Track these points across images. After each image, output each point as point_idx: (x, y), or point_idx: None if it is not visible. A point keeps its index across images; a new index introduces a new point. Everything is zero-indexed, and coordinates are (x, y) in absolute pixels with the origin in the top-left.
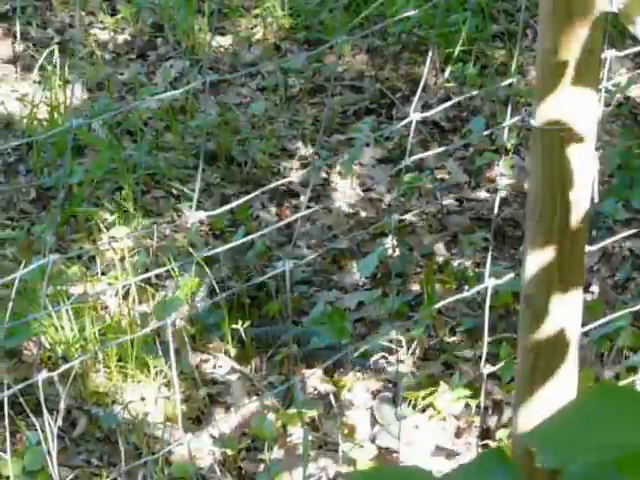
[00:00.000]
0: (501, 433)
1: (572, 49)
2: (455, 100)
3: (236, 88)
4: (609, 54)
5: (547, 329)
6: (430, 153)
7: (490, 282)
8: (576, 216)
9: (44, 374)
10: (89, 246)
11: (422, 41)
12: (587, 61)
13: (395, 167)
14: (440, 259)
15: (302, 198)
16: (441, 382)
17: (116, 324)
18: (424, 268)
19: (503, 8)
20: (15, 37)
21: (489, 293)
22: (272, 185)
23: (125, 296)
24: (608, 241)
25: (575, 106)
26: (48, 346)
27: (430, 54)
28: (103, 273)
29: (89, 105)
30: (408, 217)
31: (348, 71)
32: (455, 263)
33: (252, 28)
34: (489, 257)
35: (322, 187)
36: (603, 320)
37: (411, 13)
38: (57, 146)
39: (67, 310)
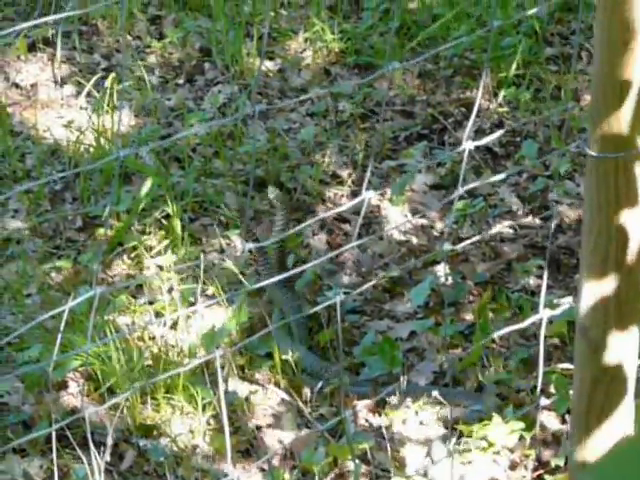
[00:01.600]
0: (556, 463)
1: (630, 73)
2: (508, 128)
3: (285, 113)
4: None
5: (603, 361)
6: (483, 182)
7: (545, 313)
8: (633, 244)
9: (91, 409)
10: (136, 274)
11: (475, 65)
12: None
13: (447, 193)
14: (493, 287)
15: (352, 226)
16: (495, 414)
17: (164, 355)
18: (477, 297)
19: (557, 31)
20: (59, 62)
21: (544, 325)
22: (322, 216)
23: (173, 326)
24: None
25: (632, 132)
26: (94, 377)
27: (483, 78)
28: (150, 302)
29: (136, 131)
30: (461, 245)
31: (399, 96)
32: (509, 291)
33: (301, 52)
34: (544, 287)
35: (373, 214)
36: None
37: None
38: (104, 173)
39: (114, 341)
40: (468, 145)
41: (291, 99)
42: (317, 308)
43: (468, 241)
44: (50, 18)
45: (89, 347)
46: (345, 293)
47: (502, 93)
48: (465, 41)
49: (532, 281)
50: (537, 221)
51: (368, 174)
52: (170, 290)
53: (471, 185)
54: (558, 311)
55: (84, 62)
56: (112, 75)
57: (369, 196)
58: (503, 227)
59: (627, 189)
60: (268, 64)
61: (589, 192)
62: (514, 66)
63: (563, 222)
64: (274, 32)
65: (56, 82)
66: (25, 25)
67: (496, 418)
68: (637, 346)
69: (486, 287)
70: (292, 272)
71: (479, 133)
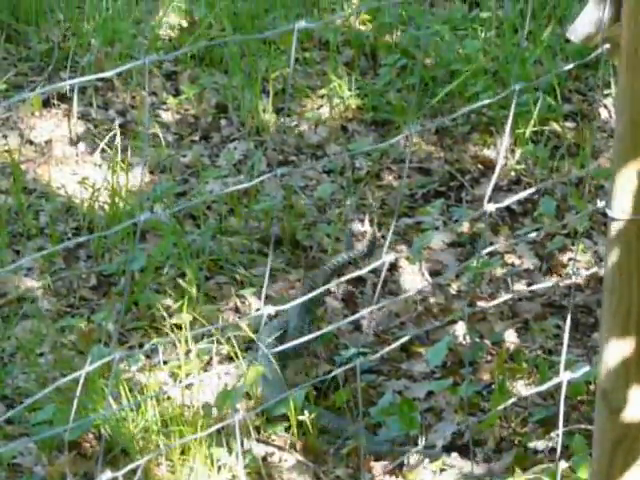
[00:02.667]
0: None
1: None
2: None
3: (302, 170)
4: None
5: (624, 424)
6: (502, 244)
7: (565, 376)
8: None
9: (108, 474)
10: (151, 333)
11: (492, 121)
12: None
13: (465, 251)
14: (511, 347)
15: (369, 282)
16: (514, 475)
17: (180, 415)
18: (495, 356)
19: (575, 87)
20: (75, 118)
21: (564, 388)
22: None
23: (188, 386)
24: None
25: None
26: (109, 438)
27: (501, 135)
28: (165, 362)
29: (151, 188)
30: (479, 304)
31: (416, 153)
32: (527, 351)
33: (318, 108)
34: (564, 349)
35: (390, 272)
36: None
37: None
38: (118, 231)
39: (128, 401)
40: (489, 207)
41: (307, 156)
42: (334, 373)
43: (492, 302)
44: (73, 82)
45: (106, 413)
46: (362, 353)
47: (519, 150)
48: (482, 98)
49: (550, 340)
50: (555, 279)
51: (390, 236)
52: (187, 351)
53: (489, 248)
54: (579, 373)
55: (99, 118)
56: (127, 132)
57: (389, 259)
58: (521, 285)
59: None
60: (284, 120)
61: (610, 254)
62: (532, 123)
63: (581, 281)
64: (290, 88)
65: (72, 139)
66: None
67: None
68: None
69: (503, 346)
70: (312, 335)
71: (496, 190)
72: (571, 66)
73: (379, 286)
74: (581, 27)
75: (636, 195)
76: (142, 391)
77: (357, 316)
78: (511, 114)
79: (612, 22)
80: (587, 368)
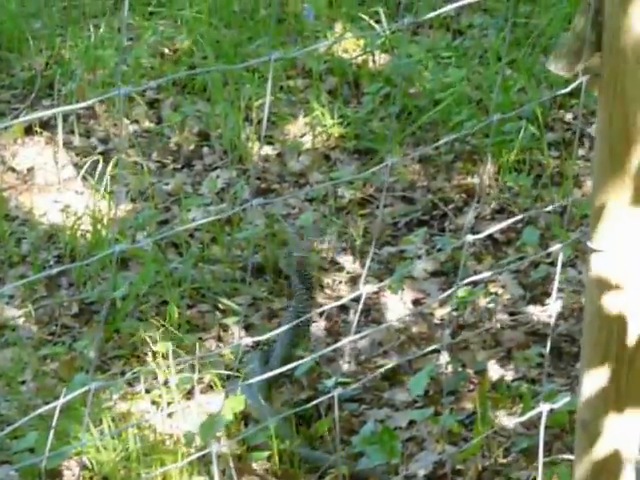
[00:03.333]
0: None
1: (632, 168)
2: (509, 221)
3: (284, 199)
4: None
5: (603, 454)
6: (483, 276)
7: (545, 407)
8: (633, 339)
9: None
10: (132, 362)
11: (476, 150)
12: None
13: (447, 280)
14: (494, 376)
15: (351, 312)
16: None
17: (161, 444)
18: (477, 385)
19: (559, 116)
20: (57, 146)
21: (544, 418)
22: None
23: (170, 414)
24: None
25: (633, 227)
26: (91, 466)
27: (484, 164)
28: (147, 390)
29: (133, 216)
30: (461, 332)
31: (399, 181)
32: (509, 380)
33: (301, 137)
34: (544, 379)
35: (372, 301)
36: None
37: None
38: (100, 259)
39: (109, 428)
40: (468, 238)
41: (290, 184)
42: (313, 403)
43: (475, 331)
44: (56, 110)
45: (85, 442)
46: (344, 383)
47: (503, 179)
48: (466, 127)
49: (533, 369)
50: (538, 308)
51: (366, 268)
52: (166, 383)
53: (471, 278)
54: (558, 405)
55: (81, 146)
56: (109, 159)
57: (367, 290)
58: (504, 314)
59: (628, 280)
60: (267, 149)
61: (590, 286)
62: (515, 151)
63: (564, 309)
64: (273, 116)
65: (57, 163)
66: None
67: None
68: (638, 440)
69: (486, 376)
70: (295, 364)
71: (479, 219)
72: (552, 96)
73: (357, 316)
74: (561, 57)
75: (615, 226)
76: (124, 419)
77: (338, 345)
78: (490, 143)
79: (592, 52)
80: (569, 398)
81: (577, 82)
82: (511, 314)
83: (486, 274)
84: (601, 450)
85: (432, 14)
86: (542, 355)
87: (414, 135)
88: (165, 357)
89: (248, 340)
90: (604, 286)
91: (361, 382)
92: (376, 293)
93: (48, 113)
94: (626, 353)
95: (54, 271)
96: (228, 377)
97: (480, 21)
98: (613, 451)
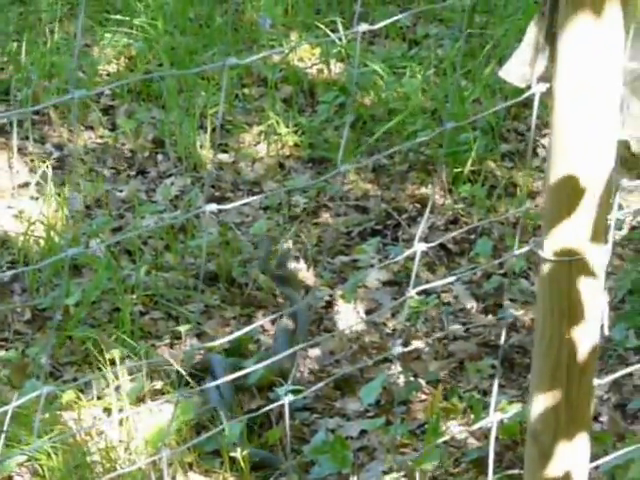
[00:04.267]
0: None
1: (584, 179)
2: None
3: (238, 207)
4: (622, 182)
5: (554, 466)
6: (434, 284)
7: (495, 417)
8: (584, 350)
9: None
10: (84, 368)
11: (430, 160)
12: (597, 190)
13: (400, 290)
14: (446, 387)
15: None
16: None
17: (111, 450)
18: (429, 396)
19: (513, 127)
20: (12, 152)
21: (494, 429)
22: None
23: (121, 422)
24: (619, 373)
25: (585, 237)
26: (41, 472)
27: (438, 174)
28: (99, 397)
29: (87, 223)
30: (414, 342)
31: (353, 190)
32: (461, 391)
33: (255, 145)
34: (495, 389)
35: (325, 310)
36: (614, 455)
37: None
38: (53, 265)
39: (61, 434)
40: (420, 247)
41: (244, 192)
42: (264, 410)
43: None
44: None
45: (36, 446)
46: (296, 391)
47: (457, 189)
48: (421, 137)
49: (485, 380)
50: (491, 320)
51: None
52: (117, 388)
53: (422, 287)
54: (509, 414)
55: (36, 151)
56: (64, 165)
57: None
58: (456, 325)
59: (579, 293)
60: (222, 157)
61: (541, 295)
62: (469, 162)
63: (517, 321)
64: (228, 124)
65: (11, 169)
66: None
67: None
68: (588, 452)
69: (438, 386)
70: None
71: (433, 229)
72: (503, 106)
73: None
74: (514, 67)
75: (567, 236)
76: (75, 426)
77: (290, 351)
78: (444, 153)
79: (546, 62)
80: (519, 407)
81: (529, 92)
82: (464, 324)
83: (437, 283)
84: (552, 462)
85: (387, 21)
86: (494, 366)
87: (369, 144)
88: (117, 364)
89: (200, 345)
90: (555, 296)
91: (311, 390)
92: (329, 302)
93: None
94: (577, 363)
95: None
96: (180, 384)
97: (436, 31)
98: (564, 463)
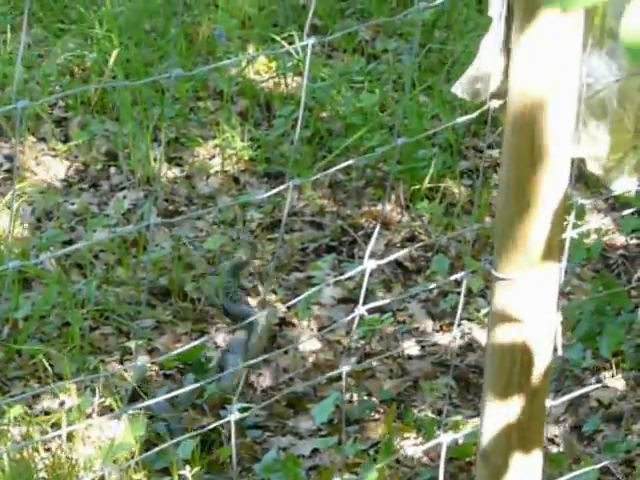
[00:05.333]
0: None
1: (536, 195)
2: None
3: (191, 221)
4: (578, 200)
5: None
6: (386, 301)
7: (445, 438)
8: (537, 370)
9: None
10: (32, 383)
11: (387, 177)
12: (551, 208)
13: (355, 308)
14: (400, 406)
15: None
16: None
17: (59, 467)
18: (383, 415)
19: (472, 144)
20: None
21: (444, 450)
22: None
23: (69, 438)
24: (574, 394)
25: (538, 256)
26: None
27: (394, 190)
28: (47, 413)
29: (37, 236)
30: (367, 361)
31: (309, 206)
32: (416, 410)
33: (210, 159)
34: (445, 410)
35: (279, 327)
36: (568, 476)
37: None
38: (0, 279)
39: (7, 450)
40: (370, 264)
41: (198, 207)
42: (214, 424)
43: (374, 358)
44: None
45: None
46: (246, 409)
47: (414, 206)
48: (377, 153)
49: (439, 400)
50: (447, 338)
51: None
52: (64, 402)
53: (374, 304)
54: (460, 434)
55: None
56: (13, 177)
57: (263, 315)
58: (411, 343)
59: (531, 314)
60: (175, 170)
61: (493, 314)
62: (427, 179)
63: (473, 340)
64: (183, 137)
65: None
66: None
67: None
68: (540, 474)
69: (392, 405)
70: (193, 386)
71: (390, 247)
72: (457, 121)
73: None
74: (468, 82)
75: (519, 254)
76: (23, 442)
77: (239, 367)
78: (396, 169)
79: (501, 77)
80: (471, 429)
81: (484, 108)
82: (419, 343)
83: (390, 299)
84: None
85: (340, 33)
86: (450, 386)
87: (326, 160)
88: (66, 379)
89: (146, 359)
90: (507, 315)
91: (261, 406)
92: (282, 319)
93: None
94: (530, 384)
95: None
96: (129, 400)
97: (395, 46)
98: None
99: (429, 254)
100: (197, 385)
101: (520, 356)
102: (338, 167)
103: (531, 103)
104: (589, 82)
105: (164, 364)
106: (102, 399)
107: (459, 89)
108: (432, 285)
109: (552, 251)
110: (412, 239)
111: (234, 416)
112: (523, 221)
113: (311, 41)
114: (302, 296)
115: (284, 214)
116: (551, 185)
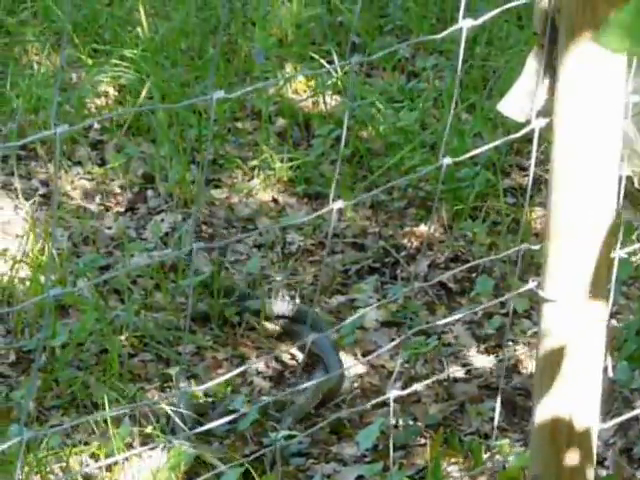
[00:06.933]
0: None
1: (584, 215)
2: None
3: (231, 245)
4: (626, 218)
5: None
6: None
7: (496, 461)
8: (586, 393)
9: None
10: (71, 412)
11: (429, 196)
12: (600, 227)
13: (399, 331)
14: (446, 430)
15: (299, 362)
16: None
17: None
18: (429, 440)
19: (516, 162)
20: None
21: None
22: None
23: (109, 468)
24: (624, 417)
25: (587, 276)
26: None
27: (437, 210)
28: (86, 443)
29: (74, 261)
30: (413, 385)
31: (350, 227)
32: (462, 434)
33: (249, 180)
34: (493, 434)
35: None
36: None
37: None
38: (38, 306)
39: None
40: (416, 286)
41: (237, 229)
42: (258, 453)
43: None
44: None
45: None
46: (290, 436)
47: (458, 226)
48: (420, 171)
49: (486, 423)
50: (492, 361)
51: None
52: (104, 433)
53: (419, 327)
54: (510, 458)
55: (22, 188)
56: (49, 202)
57: (311, 339)
58: (457, 366)
59: (581, 335)
60: (214, 192)
61: (541, 335)
62: (470, 198)
63: (519, 362)
64: (221, 159)
65: None
66: None
67: None
68: None
69: (438, 429)
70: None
71: (433, 267)
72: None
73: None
74: (513, 101)
75: (568, 275)
76: (61, 472)
77: (284, 393)
78: (440, 189)
79: (546, 95)
80: (521, 453)
81: (529, 127)
82: (464, 366)
83: (437, 323)
84: None
85: (382, 52)
86: (495, 409)
87: (366, 180)
88: (105, 408)
89: (190, 388)
90: (555, 337)
91: (305, 434)
92: None
93: None
94: (579, 407)
95: None
96: (171, 430)
97: (435, 63)
98: None
99: (473, 274)
100: (247, 412)
101: (569, 379)
102: (381, 189)
103: (577, 122)
104: (635, 100)
105: (211, 390)
106: (142, 428)
107: (505, 108)
108: (477, 308)
109: (601, 271)
110: (456, 259)
111: (281, 444)
112: (572, 242)
113: (354, 60)
114: (347, 321)
115: (328, 238)
116: (600, 204)
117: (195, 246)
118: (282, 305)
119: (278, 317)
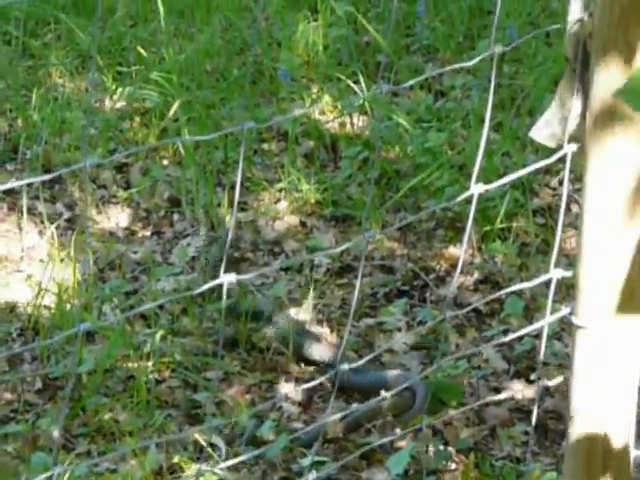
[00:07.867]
0: None
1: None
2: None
3: (258, 268)
4: None
5: None
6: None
7: None
8: (621, 419)
9: None
10: (99, 441)
11: (458, 217)
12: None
13: (428, 354)
14: (477, 454)
15: (327, 388)
16: None
17: None
18: (460, 464)
19: (545, 181)
20: (21, 213)
21: None
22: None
23: None
24: None
25: (622, 302)
26: None
27: (465, 234)
28: (114, 471)
29: (99, 287)
30: (444, 410)
31: (378, 250)
32: (493, 459)
33: (276, 203)
34: (528, 457)
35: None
36: None
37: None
38: (62, 331)
39: None
40: (448, 314)
41: (264, 252)
42: None
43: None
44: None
45: None
46: (320, 462)
47: (486, 247)
48: (448, 193)
49: (518, 447)
50: (523, 384)
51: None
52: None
53: (450, 357)
54: None
55: (46, 212)
56: (75, 226)
57: (344, 369)
58: (487, 390)
59: (616, 362)
60: (240, 215)
61: (576, 365)
62: (499, 219)
63: (551, 385)
64: (247, 181)
65: (21, 230)
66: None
67: None
68: None
69: (469, 454)
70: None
71: (462, 289)
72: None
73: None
74: (545, 126)
75: (601, 302)
76: None
77: (317, 425)
78: (471, 215)
79: (578, 120)
80: (555, 477)
81: (562, 152)
82: (495, 389)
83: (469, 351)
84: None
85: (413, 81)
86: (527, 433)
87: (394, 201)
88: (132, 435)
89: (219, 422)
90: (589, 364)
91: (336, 465)
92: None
93: (10, 185)
94: (615, 433)
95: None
96: (199, 458)
97: (463, 82)
98: None
99: (503, 296)
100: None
101: (604, 403)
102: (414, 218)
103: (609, 146)
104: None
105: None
106: (170, 456)
107: (537, 134)
108: (508, 332)
109: (636, 298)
110: (485, 281)
111: (313, 475)
112: (607, 268)
113: (385, 88)
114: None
115: (360, 268)
116: (637, 231)
117: (227, 279)
118: (321, 349)
119: (316, 362)
